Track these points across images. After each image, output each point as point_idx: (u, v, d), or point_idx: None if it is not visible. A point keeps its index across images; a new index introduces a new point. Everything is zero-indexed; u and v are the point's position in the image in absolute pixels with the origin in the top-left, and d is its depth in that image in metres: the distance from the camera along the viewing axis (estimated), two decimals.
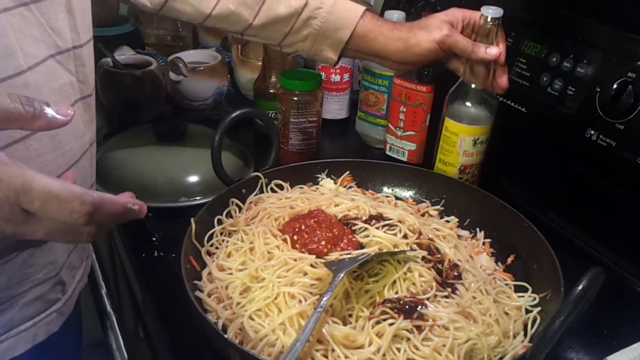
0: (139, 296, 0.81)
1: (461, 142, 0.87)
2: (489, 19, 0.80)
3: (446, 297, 0.66)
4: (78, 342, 0.85)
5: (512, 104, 0.96)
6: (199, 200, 0.91)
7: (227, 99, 1.28)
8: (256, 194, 0.83)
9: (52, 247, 0.66)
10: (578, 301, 0.50)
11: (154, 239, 0.84)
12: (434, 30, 0.81)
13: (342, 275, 0.61)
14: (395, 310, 0.61)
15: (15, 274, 0.62)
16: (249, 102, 1.25)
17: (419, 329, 0.60)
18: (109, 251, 1.13)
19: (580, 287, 0.50)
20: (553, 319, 0.50)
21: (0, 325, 0.64)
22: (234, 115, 0.79)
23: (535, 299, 0.69)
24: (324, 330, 0.59)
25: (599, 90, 0.82)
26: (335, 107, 1.20)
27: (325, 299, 0.58)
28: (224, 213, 0.78)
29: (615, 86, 0.79)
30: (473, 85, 0.85)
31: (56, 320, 0.70)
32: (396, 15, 1.03)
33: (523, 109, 0.94)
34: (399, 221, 0.75)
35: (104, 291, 0.86)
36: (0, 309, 0.63)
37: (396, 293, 0.65)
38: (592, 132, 0.83)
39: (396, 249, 0.70)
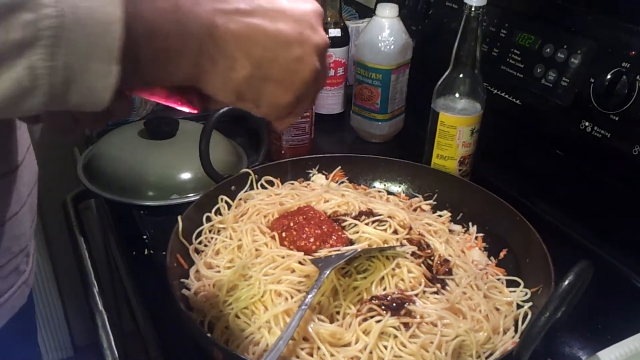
0: (130, 294, 0.80)
1: (460, 134, 0.86)
2: (472, 8, 0.79)
3: (435, 293, 0.65)
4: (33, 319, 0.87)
5: (506, 96, 0.94)
6: (191, 197, 0.90)
7: None
8: (246, 191, 0.82)
9: (21, 219, 0.68)
10: (564, 297, 0.49)
11: (145, 237, 0.83)
12: None
13: (327, 272, 0.60)
14: (383, 307, 0.60)
15: None
16: None
17: (407, 326, 0.59)
18: (102, 249, 1.13)
19: (566, 282, 0.49)
20: (539, 316, 0.49)
21: None
22: (221, 111, 0.78)
23: (526, 293, 0.68)
24: (309, 328, 0.58)
25: (593, 81, 0.81)
26: (330, 102, 1.18)
27: (310, 296, 0.58)
28: (213, 210, 0.78)
29: (609, 77, 0.78)
30: (461, 75, 0.84)
31: (24, 292, 0.72)
32: (388, 9, 1.01)
33: (517, 101, 0.93)
34: (389, 217, 0.74)
35: (95, 290, 0.86)
36: None
37: (384, 289, 0.64)
38: (587, 123, 0.82)
39: (385, 245, 0.69)
